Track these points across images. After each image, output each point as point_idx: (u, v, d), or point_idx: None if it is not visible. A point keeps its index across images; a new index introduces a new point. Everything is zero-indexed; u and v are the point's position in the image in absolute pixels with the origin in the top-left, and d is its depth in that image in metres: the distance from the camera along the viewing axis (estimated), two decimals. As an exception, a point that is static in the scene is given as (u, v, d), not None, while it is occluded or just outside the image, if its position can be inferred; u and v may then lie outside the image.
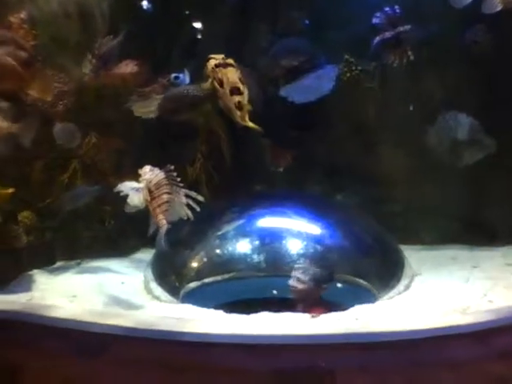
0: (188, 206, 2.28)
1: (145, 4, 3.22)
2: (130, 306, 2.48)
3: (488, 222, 3.21)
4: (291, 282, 2.47)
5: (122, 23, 2.95)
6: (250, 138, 3.36)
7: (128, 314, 2.34)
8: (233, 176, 3.32)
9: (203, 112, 3.06)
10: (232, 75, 2.42)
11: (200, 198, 2.27)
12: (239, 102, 2.40)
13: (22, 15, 2.68)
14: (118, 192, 2.24)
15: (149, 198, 2.23)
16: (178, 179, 2.26)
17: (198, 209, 2.28)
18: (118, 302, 2.53)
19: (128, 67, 2.88)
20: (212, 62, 2.44)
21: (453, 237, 3.23)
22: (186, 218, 2.28)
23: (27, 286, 2.68)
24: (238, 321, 2.26)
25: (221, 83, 2.42)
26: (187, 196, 2.27)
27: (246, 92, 2.48)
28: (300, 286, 2.47)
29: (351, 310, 2.37)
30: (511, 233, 3.16)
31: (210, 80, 2.46)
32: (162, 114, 2.74)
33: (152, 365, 2.12)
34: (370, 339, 2.02)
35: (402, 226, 3.18)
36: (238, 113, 2.39)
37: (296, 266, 2.55)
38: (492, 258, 2.99)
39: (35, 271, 2.86)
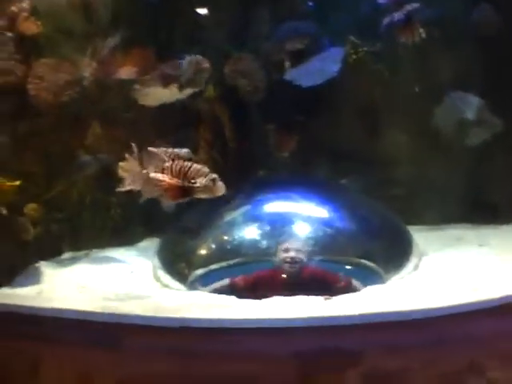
0: None
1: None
2: (141, 294, 2.47)
3: (491, 201, 3.24)
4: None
5: (125, 11, 2.91)
6: (254, 124, 3.35)
7: (140, 302, 2.33)
8: (237, 162, 3.31)
9: (206, 98, 3.05)
10: None
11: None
12: None
13: (25, 4, 2.64)
14: None
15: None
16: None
17: None
18: (128, 291, 2.51)
19: (129, 72, 2.84)
20: None
21: (457, 217, 3.25)
22: None
23: (36, 279, 2.66)
24: (251, 306, 2.26)
25: None
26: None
27: None
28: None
29: (364, 291, 2.38)
30: (514, 211, 3.19)
31: None
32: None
33: (168, 353, 2.12)
34: (388, 319, 2.03)
35: (407, 207, 3.18)
36: None
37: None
38: (497, 235, 3.01)
39: (42, 263, 2.83)
